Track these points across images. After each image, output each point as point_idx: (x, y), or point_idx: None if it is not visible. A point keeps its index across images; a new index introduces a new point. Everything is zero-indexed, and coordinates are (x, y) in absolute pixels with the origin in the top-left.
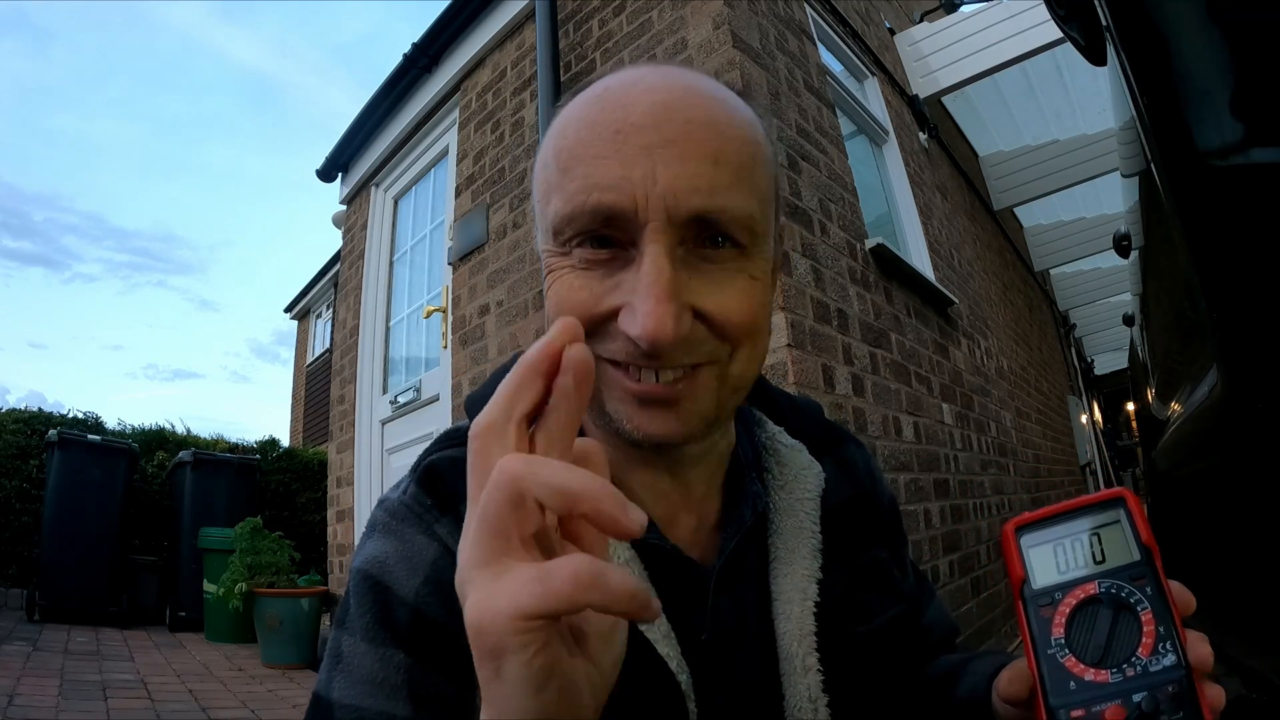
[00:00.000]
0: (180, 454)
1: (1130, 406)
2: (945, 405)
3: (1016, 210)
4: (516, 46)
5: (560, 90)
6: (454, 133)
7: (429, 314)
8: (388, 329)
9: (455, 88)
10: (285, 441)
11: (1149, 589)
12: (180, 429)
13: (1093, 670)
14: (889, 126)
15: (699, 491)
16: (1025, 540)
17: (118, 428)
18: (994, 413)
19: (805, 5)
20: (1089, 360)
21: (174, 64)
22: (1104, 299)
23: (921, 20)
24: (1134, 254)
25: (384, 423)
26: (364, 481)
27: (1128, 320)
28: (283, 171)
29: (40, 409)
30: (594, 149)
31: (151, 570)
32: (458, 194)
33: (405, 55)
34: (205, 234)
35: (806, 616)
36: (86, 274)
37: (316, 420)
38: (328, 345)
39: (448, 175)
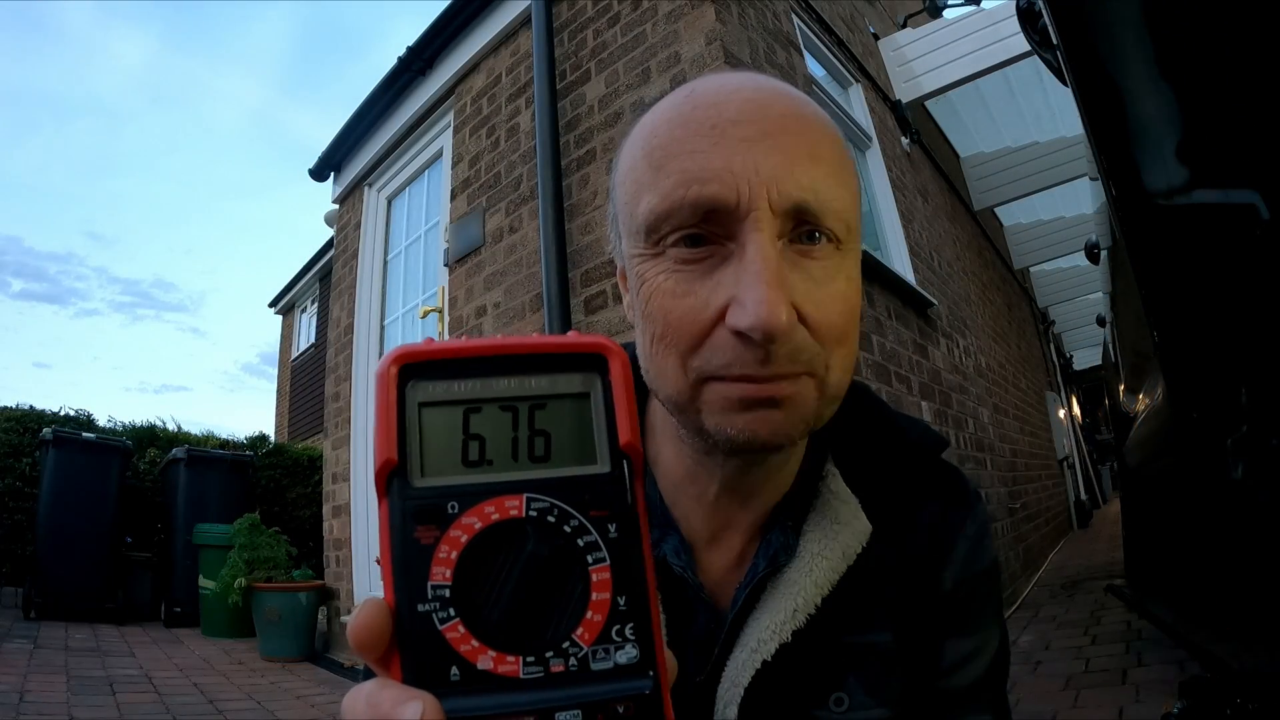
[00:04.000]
0: (174, 451)
1: (1108, 402)
2: (924, 403)
3: (997, 210)
4: (511, 53)
5: (556, 98)
6: (449, 136)
7: (425, 314)
8: (382, 328)
9: (450, 91)
10: (272, 436)
11: (615, 529)
12: (171, 426)
13: (493, 653)
14: (872, 133)
15: (754, 514)
16: (418, 391)
17: (109, 425)
18: (972, 409)
19: (793, 16)
20: (1068, 356)
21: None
22: (1083, 296)
23: (905, 24)
24: (1103, 254)
25: None
26: (361, 479)
27: (1100, 322)
28: (276, 178)
29: (33, 407)
30: (690, 144)
31: (146, 566)
32: (453, 197)
33: (400, 57)
34: (200, 263)
35: (743, 672)
36: (91, 309)
37: (302, 415)
38: (312, 340)
39: (442, 178)
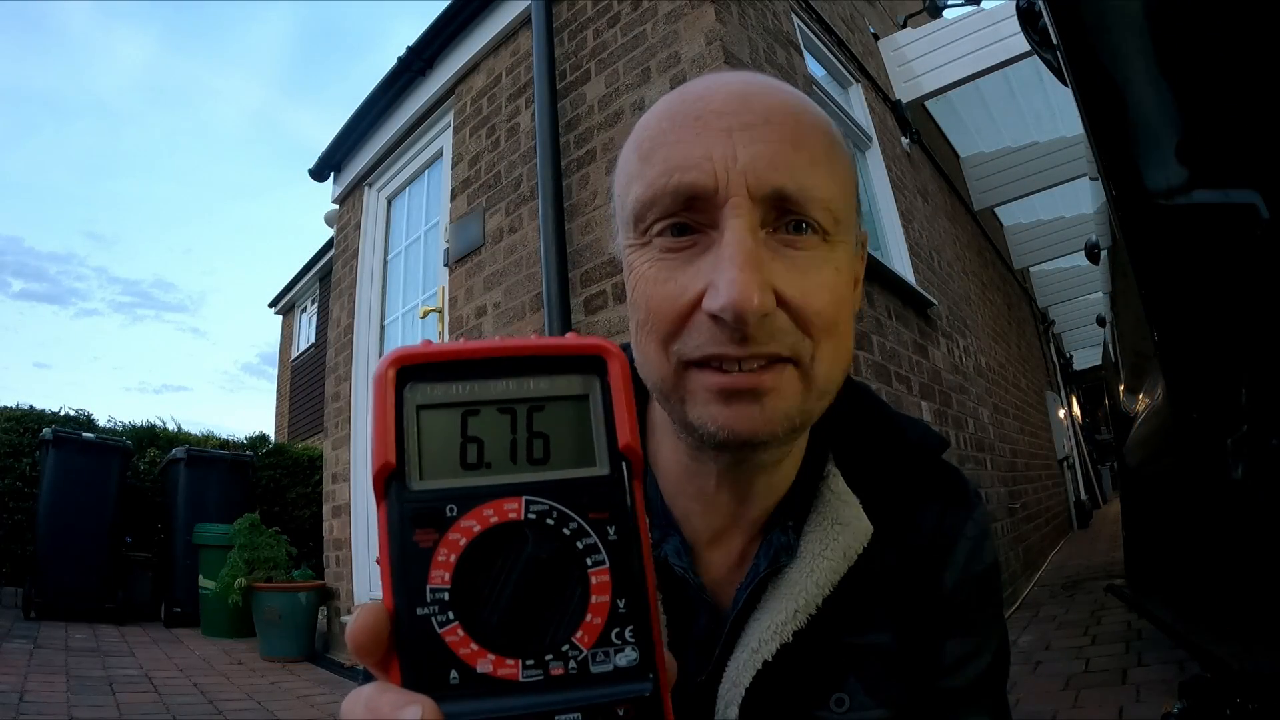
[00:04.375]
0: (174, 451)
1: (1108, 402)
2: (924, 403)
3: (997, 210)
4: (511, 53)
5: (556, 98)
6: (449, 136)
7: (425, 314)
8: (382, 328)
9: (450, 91)
10: (272, 436)
11: (614, 531)
12: (171, 426)
13: (493, 657)
14: (872, 133)
15: (754, 512)
16: (416, 393)
17: (109, 425)
18: (972, 409)
19: (793, 16)
20: (1068, 356)
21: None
22: (1083, 296)
23: (905, 24)
24: (1103, 254)
25: None
26: (360, 478)
27: (1100, 322)
28: (276, 178)
29: (33, 407)
30: (674, 135)
31: (145, 566)
32: (453, 197)
33: (400, 58)
34: (200, 263)
35: (744, 672)
36: (91, 309)
37: (302, 415)
38: (312, 340)
39: (442, 178)
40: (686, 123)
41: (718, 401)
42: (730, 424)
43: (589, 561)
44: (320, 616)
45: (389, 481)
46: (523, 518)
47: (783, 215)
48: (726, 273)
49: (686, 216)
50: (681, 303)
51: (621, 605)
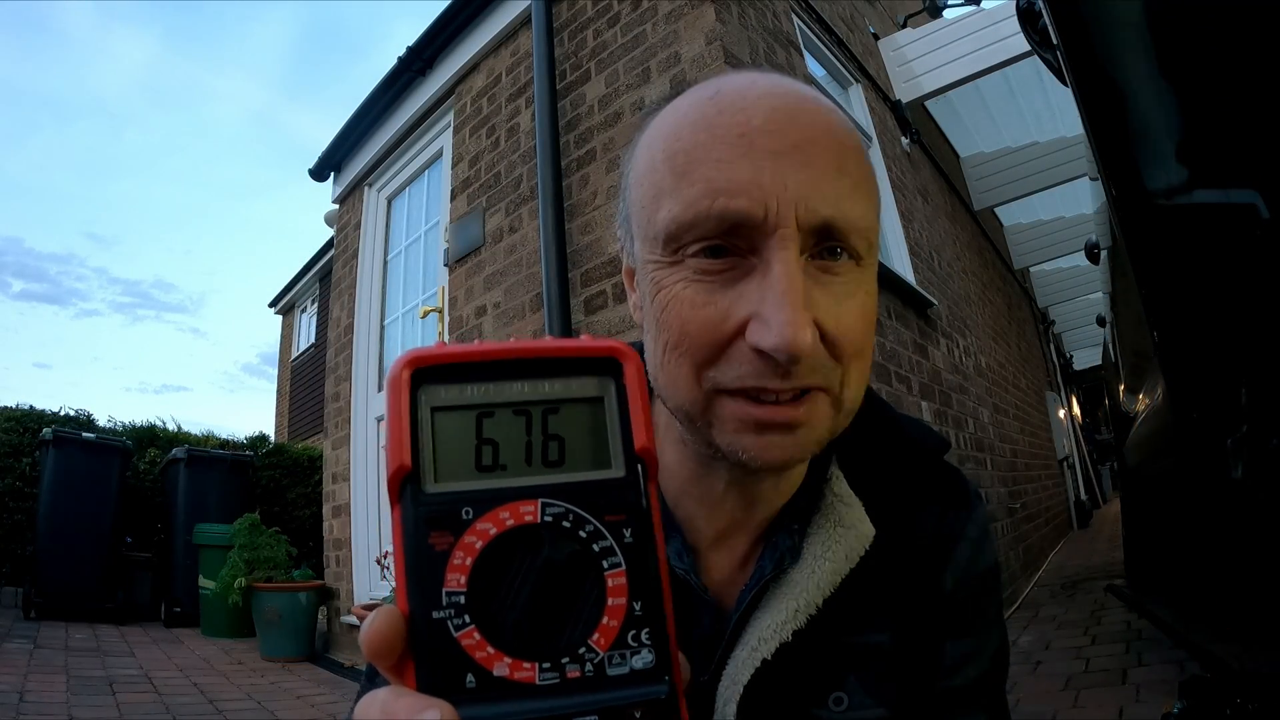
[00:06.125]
0: (174, 451)
1: (1108, 402)
2: (924, 403)
3: (997, 210)
4: (511, 53)
5: (556, 98)
6: (449, 136)
7: (425, 314)
8: (382, 328)
9: (450, 91)
10: (272, 436)
11: (630, 534)
12: (171, 426)
13: (509, 660)
14: (872, 133)
15: (759, 516)
16: (430, 395)
17: (109, 425)
18: (972, 409)
19: (793, 16)
20: (1068, 356)
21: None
22: (1083, 296)
23: (905, 24)
24: (1103, 254)
25: (380, 420)
26: (360, 478)
27: (1101, 322)
28: (276, 178)
29: (33, 407)
30: (715, 152)
31: (145, 566)
32: (453, 197)
33: (400, 58)
34: (200, 264)
35: (743, 670)
36: (91, 309)
37: (302, 415)
38: (312, 340)
39: (442, 177)
40: (729, 140)
41: (750, 432)
42: (763, 453)
43: (605, 564)
44: (320, 616)
45: (404, 484)
46: (539, 520)
47: (823, 242)
48: (781, 310)
49: (726, 240)
50: (723, 330)
51: (637, 608)
